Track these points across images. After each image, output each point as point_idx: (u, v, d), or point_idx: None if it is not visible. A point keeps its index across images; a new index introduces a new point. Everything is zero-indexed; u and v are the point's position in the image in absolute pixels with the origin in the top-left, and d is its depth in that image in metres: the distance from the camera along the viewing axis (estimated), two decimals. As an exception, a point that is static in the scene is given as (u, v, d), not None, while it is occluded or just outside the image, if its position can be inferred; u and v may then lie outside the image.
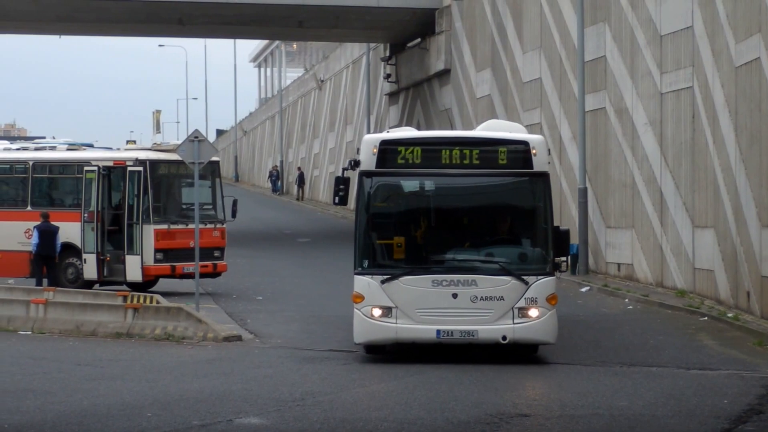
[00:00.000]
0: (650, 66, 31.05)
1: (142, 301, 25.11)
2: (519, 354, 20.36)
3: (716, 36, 27.00)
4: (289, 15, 51.58)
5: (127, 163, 31.30)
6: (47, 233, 30.08)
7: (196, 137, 26.26)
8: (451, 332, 19.43)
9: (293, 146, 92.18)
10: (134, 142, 39.86)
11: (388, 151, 19.91)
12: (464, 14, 48.50)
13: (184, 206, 32.68)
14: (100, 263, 31.01)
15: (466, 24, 48.31)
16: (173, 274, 31.43)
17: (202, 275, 28.90)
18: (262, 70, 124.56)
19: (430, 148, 20.05)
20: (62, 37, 69.40)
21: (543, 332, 19.64)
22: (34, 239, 29.99)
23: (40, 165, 33.12)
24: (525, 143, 19.95)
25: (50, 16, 51.80)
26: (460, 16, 48.85)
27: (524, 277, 19.52)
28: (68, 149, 34.90)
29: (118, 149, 36.48)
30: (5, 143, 39.76)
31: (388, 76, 58.87)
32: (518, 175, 20.22)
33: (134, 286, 30.63)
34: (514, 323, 19.39)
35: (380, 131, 28.23)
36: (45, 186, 33.55)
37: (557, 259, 20.11)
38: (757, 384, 18.31)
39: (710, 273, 27.97)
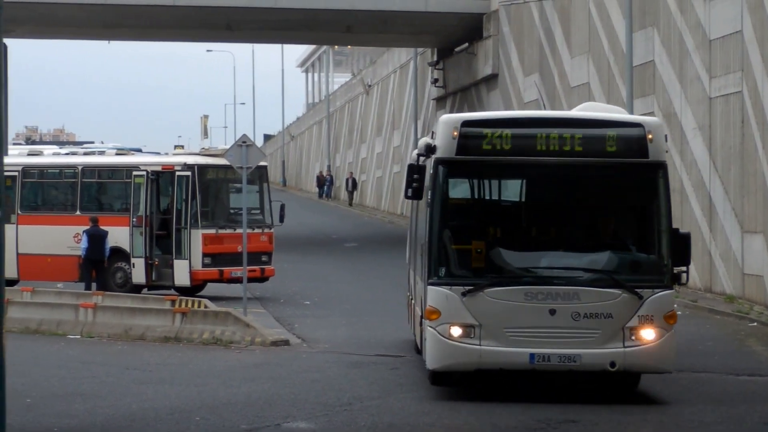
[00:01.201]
0: (699, 71, 30.89)
1: (190, 305, 25.29)
2: (616, 386, 17.52)
3: (765, 41, 26.83)
4: (337, 20, 51.74)
5: (176, 167, 31.49)
6: (96, 237, 30.34)
7: (244, 142, 26.36)
8: (548, 357, 15.94)
9: (340, 151, 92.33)
10: (182, 146, 40.07)
11: (471, 134, 16.28)
12: (512, 19, 48.45)
13: (232, 211, 32.82)
14: (149, 267, 31.21)
15: (514, 29, 48.24)
16: (221, 279, 31.59)
17: (250, 280, 29.04)
18: (310, 75, 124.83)
19: (523, 132, 16.49)
20: (111, 42, 69.79)
21: (660, 358, 16.19)
22: (83, 243, 30.29)
23: (89, 170, 33.37)
24: (640, 126, 16.38)
25: (98, 23, 52.20)
26: (508, 20, 48.80)
27: (637, 290, 15.95)
28: (117, 154, 35.25)
29: (167, 154, 36.73)
30: (54, 148, 40.21)
31: (436, 80, 58.87)
32: (631, 166, 16.39)
33: (182, 291, 30.84)
34: (624, 347, 15.90)
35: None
36: (94, 190, 33.79)
37: (676, 268, 16.36)
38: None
39: (759, 278, 27.81)
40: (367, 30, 55.96)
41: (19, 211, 33.01)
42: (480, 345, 15.99)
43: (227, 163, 27.44)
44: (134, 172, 31.96)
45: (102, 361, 21.73)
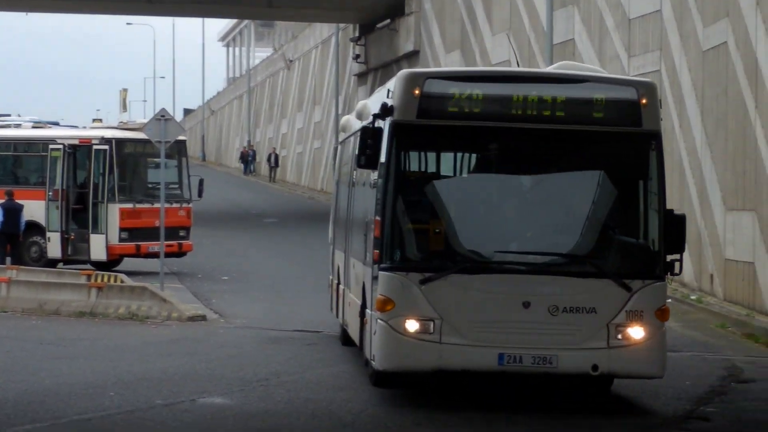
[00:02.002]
0: (618, 49, 31.08)
1: (106, 280, 25.12)
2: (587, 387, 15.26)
3: (684, 20, 27.05)
4: (259, -6, 51.51)
5: (93, 141, 31.25)
6: (12, 211, 29.99)
7: (163, 116, 26.14)
8: (520, 357, 13.43)
9: (261, 126, 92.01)
10: (100, 120, 39.63)
11: (435, 93, 13.66)
12: (434, -4, 48.50)
13: (150, 185, 32.67)
14: (65, 242, 30.96)
15: (436, 6, 48.28)
16: (138, 253, 31.50)
17: (167, 255, 28.88)
18: (231, 49, 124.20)
19: (497, 92, 13.87)
20: (29, 14, 68.92)
21: (649, 361, 13.79)
22: (-1, 217, 29.89)
23: (4, 143, 33.02)
24: (632, 87, 14.01)
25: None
26: (430, -3, 48.86)
27: (626, 281, 13.54)
28: (33, 127, 34.79)
29: (84, 128, 36.31)
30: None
31: (357, 56, 58.85)
32: (620, 135, 13.97)
33: (99, 266, 30.52)
34: (609, 346, 13.51)
35: (349, 113, 23.08)
36: (9, 164, 33.46)
37: (669, 256, 13.85)
38: (719, 366, 18.44)
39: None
40: (289, 4, 55.72)
41: (-67, 184, 32.54)
42: (440, 342, 13.44)
43: (145, 137, 27.22)
44: (51, 146, 31.68)
45: (15, 335, 21.47)
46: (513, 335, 13.43)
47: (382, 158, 13.78)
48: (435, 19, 48.24)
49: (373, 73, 58.15)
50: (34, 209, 30.97)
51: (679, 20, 27.48)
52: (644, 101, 13.67)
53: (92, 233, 30.72)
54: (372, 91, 57.91)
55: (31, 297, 24.77)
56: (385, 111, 13.83)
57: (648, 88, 13.93)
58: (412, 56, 50.97)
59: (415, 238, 13.82)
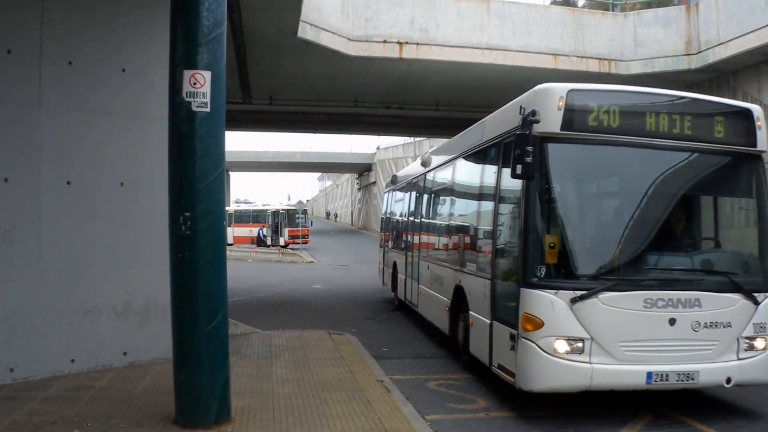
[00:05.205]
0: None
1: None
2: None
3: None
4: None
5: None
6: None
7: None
8: (666, 375, 13.12)
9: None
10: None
11: (578, 107, 13.40)
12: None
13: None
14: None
15: None
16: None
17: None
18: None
19: (633, 108, 13.70)
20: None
21: None
22: None
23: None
24: (748, 111, 14.27)
25: None
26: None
27: (754, 295, 13.63)
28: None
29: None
30: None
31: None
32: (738, 155, 14.10)
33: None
34: (738, 359, 13.56)
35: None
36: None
37: None
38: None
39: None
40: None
41: None
42: (591, 363, 12.98)
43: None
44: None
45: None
46: (660, 353, 13.13)
47: (519, 170, 13.21)
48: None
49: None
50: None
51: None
52: (759, 123, 14.13)
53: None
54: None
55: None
56: (530, 118, 13.33)
57: (759, 112, 14.37)
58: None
59: (562, 254, 13.06)
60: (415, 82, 30.56)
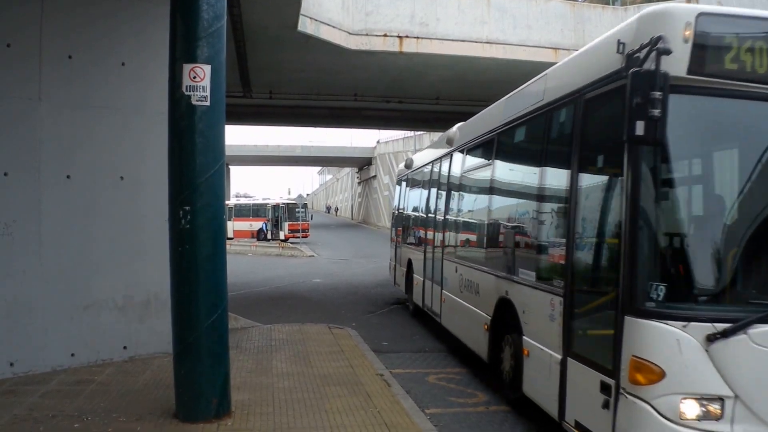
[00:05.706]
0: None
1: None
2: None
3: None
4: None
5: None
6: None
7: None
8: None
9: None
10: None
11: (713, 40, 8.70)
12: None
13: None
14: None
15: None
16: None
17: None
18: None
19: None
20: None
21: None
22: None
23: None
24: None
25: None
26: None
27: None
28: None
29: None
30: None
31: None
32: None
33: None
34: None
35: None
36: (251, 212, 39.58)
37: None
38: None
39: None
40: None
41: None
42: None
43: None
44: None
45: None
46: None
47: (647, 130, 8.32)
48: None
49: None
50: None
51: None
52: None
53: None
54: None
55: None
56: (649, 56, 8.58)
57: None
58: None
59: (692, 266, 8.71)
60: (416, 76, 30.57)
